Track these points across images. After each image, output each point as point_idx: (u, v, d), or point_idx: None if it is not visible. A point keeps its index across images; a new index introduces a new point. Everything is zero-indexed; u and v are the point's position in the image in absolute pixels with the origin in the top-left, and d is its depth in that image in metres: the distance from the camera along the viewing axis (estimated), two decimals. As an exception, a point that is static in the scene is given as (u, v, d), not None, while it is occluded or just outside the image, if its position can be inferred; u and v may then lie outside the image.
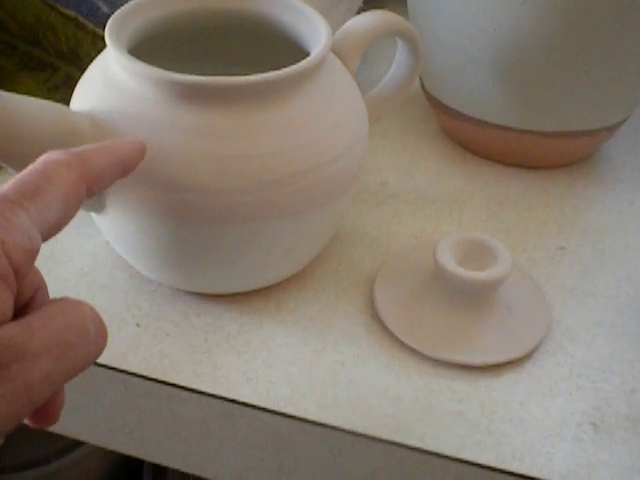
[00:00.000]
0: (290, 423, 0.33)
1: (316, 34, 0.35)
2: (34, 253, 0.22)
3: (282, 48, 0.37)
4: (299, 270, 0.38)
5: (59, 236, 0.40)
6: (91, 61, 0.44)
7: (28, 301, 0.24)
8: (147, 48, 0.37)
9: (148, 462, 0.64)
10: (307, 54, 0.35)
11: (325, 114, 0.33)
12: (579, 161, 0.48)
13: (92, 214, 0.35)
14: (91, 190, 0.25)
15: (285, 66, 0.33)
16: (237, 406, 0.33)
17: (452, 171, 0.47)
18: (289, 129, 0.32)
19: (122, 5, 0.43)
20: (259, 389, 0.33)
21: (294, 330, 0.36)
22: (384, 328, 0.36)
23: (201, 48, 0.39)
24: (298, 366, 0.34)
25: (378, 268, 0.40)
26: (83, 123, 0.32)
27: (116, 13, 0.35)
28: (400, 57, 0.40)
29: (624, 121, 0.46)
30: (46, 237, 0.23)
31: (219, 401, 0.33)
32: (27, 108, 0.31)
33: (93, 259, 0.39)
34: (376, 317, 0.37)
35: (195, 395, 0.33)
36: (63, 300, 0.22)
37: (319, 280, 0.39)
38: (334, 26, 0.49)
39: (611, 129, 0.45)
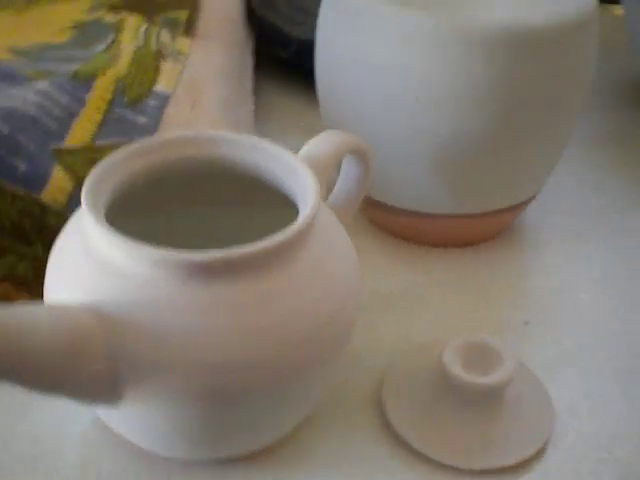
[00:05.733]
0: None
1: (301, 185, 0.33)
2: None
3: (268, 191, 0.36)
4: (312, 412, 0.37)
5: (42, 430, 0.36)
6: (10, 222, 0.41)
7: None
8: (127, 202, 0.34)
9: None
10: (291, 198, 0.34)
11: (324, 268, 0.32)
12: (505, 231, 0.50)
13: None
14: None
15: (273, 212, 0.32)
16: None
17: (393, 265, 0.48)
18: (290, 293, 0.31)
19: (41, 161, 0.41)
20: None
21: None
22: (408, 448, 0.36)
23: (185, 193, 0.37)
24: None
25: (380, 387, 0.39)
26: (85, 318, 0.30)
27: (87, 186, 0.32)
28: (349, 173, 0.40)
29: (540, 189, 0.49)
30: None
31: None
32: (28, 323, 0.28)
33: (88, 445, 0.36)
34: (395, 437, 0.37)
35: None
36: None
37: (329, 414, 0.38)
38: (241, 125, 0.48)
39: (530, 199, 0.48)
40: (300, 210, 0.33)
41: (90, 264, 0.31)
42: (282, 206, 0.36)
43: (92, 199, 0.32)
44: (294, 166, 0.34)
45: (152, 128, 0.44)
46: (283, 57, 0.60)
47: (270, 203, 0.37)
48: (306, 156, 0.37)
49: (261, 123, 0.55)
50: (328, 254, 0.33)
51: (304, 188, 0.33)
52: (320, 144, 0.38)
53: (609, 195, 0.55)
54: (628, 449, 0.37)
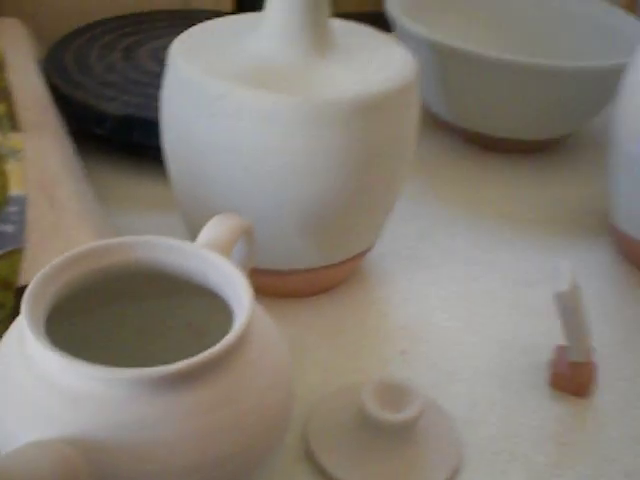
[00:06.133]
0: None
1: (229, 282, 0.35)
2: None
3: (194, 285, 0.37)
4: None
5: None
6: None
7: None
8: (61, 309, 0.35)
9: None
10: (215, 290, 0.36)
11: (264, 364, 0.34)
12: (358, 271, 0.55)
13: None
14: None
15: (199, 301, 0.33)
16: None
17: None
18: (240, 392, 0.33)
19: None
20: None
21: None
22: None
23: (116, 293, 0.38)
24: None
25: (306, 436, 0.43)
26: (66, 452, 0.30)
27: (27, 309, 0.32)
28: (237, 253, 0.42)
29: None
30: None
31: None
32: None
33: None
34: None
35: None
36: None
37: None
38: (97, 213, 0.49)
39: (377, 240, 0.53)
40: (236, 312, 0.34)
41: (43, 390, 0.31)
42: (204, 295, 0.38)
43: (35, 324, 0.32)
44: (225, 269, 0.36)
45: (19, 235, 0.43)
46: (98, 134, 0.60)
47: (195, 294, 0.38)
48: (206, 243, 0.39)
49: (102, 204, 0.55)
50: (265, 349, 0.35)
51: (234, 287, 0.35)
52: (216, 229, 0.40)
53: (439, 222, 0.62)
54: (524, 445, 0.43)
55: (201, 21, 0.77)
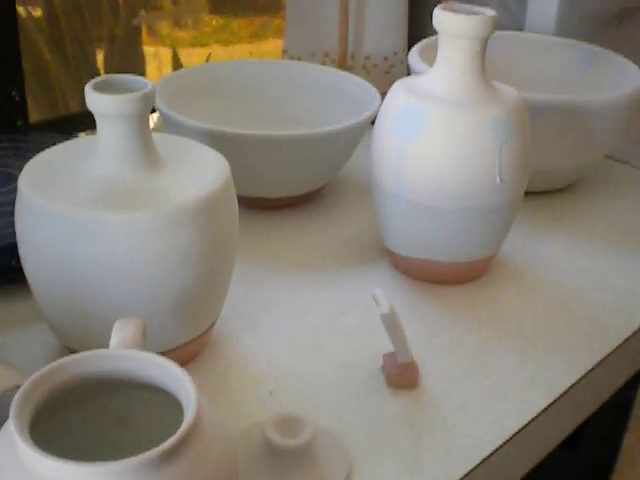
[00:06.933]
0: None
1: (179, 385, 0.43)
2: None
3: (154, 389, 0.45)
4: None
5: None
6: None
7: None
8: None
9: None
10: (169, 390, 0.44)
11: (212, 449, 0.42)
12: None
13: None
14: None
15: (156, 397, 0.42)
16: None
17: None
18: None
19: None
20: None
21: None
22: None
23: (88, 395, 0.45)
24: None
25: None
26: None
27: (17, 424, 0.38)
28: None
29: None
30: None
31: None
32: None
33: None
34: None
35: None
36: None
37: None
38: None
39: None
40: (185, 408, 0.42)
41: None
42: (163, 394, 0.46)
43: (24, 435, 0.38)
44: (175, 372, 0.44)
45: None
46: None
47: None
48: (120, 345, 0.47)
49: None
50: (212, 424, 0.43)
51: (184, 390, 0.43)
52: (123, 333, 0.48)
53: (254, 282, 0.72)
54: (385, 436, 0.56)
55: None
